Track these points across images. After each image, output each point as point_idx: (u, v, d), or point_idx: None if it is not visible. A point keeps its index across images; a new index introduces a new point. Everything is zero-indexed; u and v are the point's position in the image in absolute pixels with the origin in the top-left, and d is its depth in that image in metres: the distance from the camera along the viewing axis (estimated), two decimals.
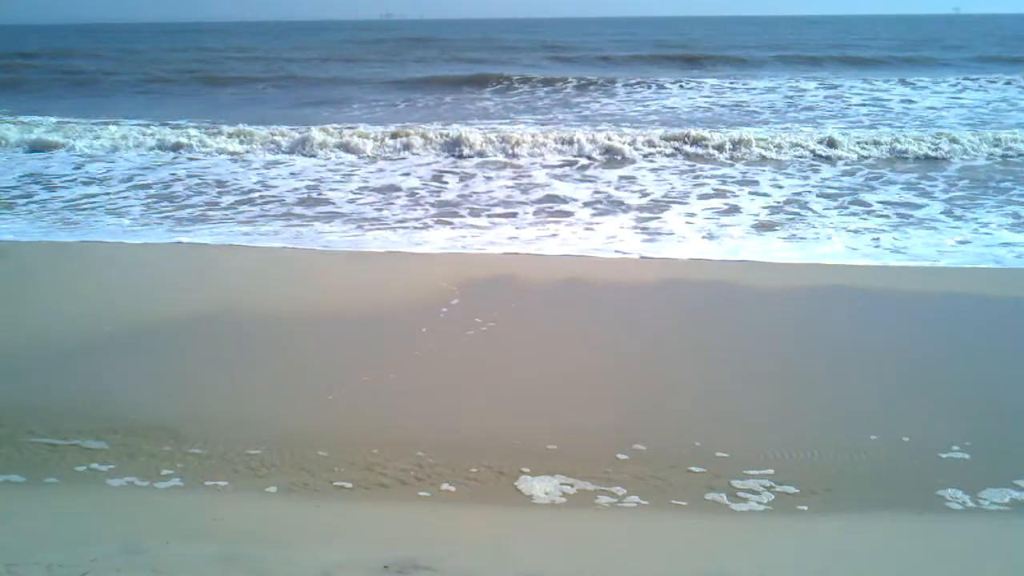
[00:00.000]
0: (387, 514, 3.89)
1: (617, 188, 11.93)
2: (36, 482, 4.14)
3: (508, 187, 12.06)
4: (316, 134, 15.36)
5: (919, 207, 10.52)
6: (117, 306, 6.88)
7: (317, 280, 7.82)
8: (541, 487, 4.07)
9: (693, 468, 4.23)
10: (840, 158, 13.60)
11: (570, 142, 14.64)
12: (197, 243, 9.18)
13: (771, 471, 4.19)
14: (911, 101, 20.88)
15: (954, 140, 13.98)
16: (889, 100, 21.29)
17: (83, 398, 5.10)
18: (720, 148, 14.07)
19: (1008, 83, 23.32)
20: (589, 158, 14.07)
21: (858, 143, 14.14)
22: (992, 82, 23.81)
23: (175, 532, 3.66)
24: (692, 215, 10.28)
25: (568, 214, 10.43)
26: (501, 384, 5.35)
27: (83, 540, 3.58)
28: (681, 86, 24.77)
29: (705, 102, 22.11)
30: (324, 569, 3.36)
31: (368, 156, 14.57)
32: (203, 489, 4.08)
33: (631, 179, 12.56)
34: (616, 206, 10.78)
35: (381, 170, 13.53)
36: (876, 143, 14.10)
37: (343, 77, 29.50)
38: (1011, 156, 13.46)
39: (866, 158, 13.69)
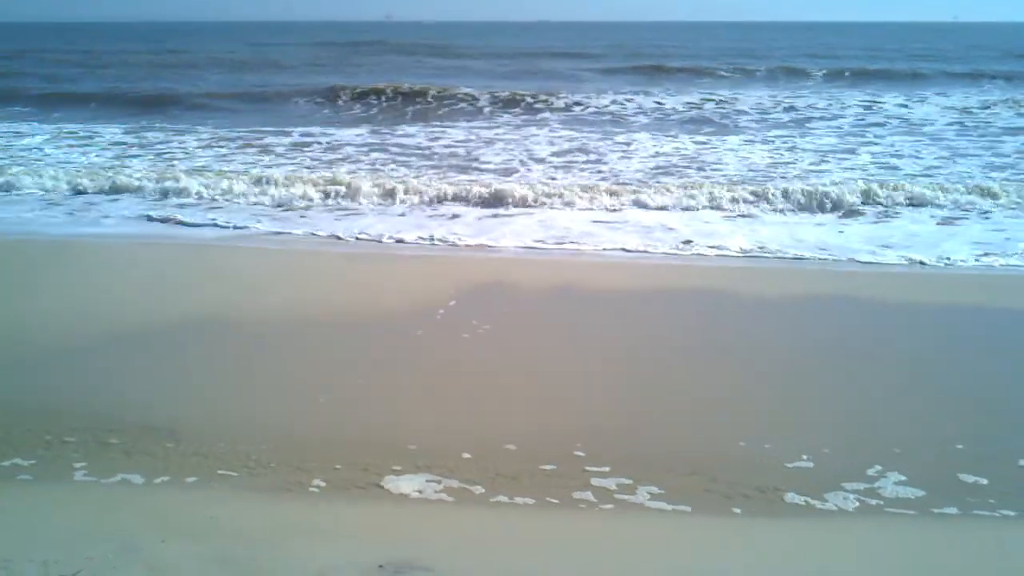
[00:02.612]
0: (382, 514, 3.89)
1: None
2: (32, 480, 4.13)
3: None
4: None
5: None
6: (114, 306, 6.88)
7: (315, 281, 7.83)
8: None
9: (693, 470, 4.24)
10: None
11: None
12: (193, 243, 9.20)
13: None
14: (904, 111, 20.61)
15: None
16: (881, 109, 21.19)
17: (79, 397, 5.10)
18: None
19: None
20: None
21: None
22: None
23: (170, 531, 3.66)
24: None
25: None
26: (500, 386, 5.36)
27: (78, 538, 3.58)
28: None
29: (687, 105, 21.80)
30: (319, 569, 3.37)
31: None
32: (199, 488, 4.07)
33: None
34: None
35: None
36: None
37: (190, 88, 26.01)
38: None
39: None
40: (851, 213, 10.71)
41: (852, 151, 15.29)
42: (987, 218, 10.40)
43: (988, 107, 20.48)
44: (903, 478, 4.15)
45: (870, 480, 4.14)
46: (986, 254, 8.68)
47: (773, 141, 16.57)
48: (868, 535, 3.78)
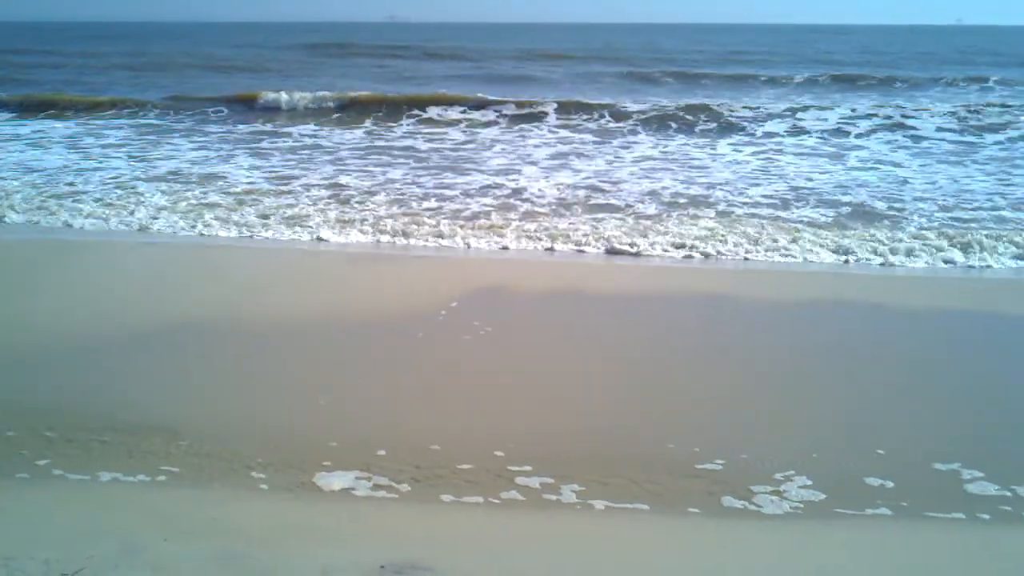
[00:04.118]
0: (384, 514, 3.90)
1: None
2: (34, 478, 4.14)
3: None
4: None
5: None
6: (117, 305, 6.89)
7: (317, 282, 7.83)
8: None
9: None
10: None
11: None
12: (196, 243, 9.21)
13: (531, 466, 4.28)
14: (893, 116, 19.94)
15: None
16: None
17: (82, 396, 5.11)
18: None
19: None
20: None
21: None
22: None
23: (172, 530, 3.67)
24: None
25: None
26: (500, 387, 5.37)
27: (80, 537, 3.59)
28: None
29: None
30: (321, 568, 3.38)
31: None
32: (201, 488, 4.08)
33: None
34: None
35: None
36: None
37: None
38: None
39: None
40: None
41: (840, 158, 15.24)
42: None
43: (976, 112, 20.06)
44: (809, 481, 4.17)
45: (777, 483, 4.16)
46: None
47: (763, 143, 16.62)
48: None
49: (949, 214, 10.66)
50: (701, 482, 4.18)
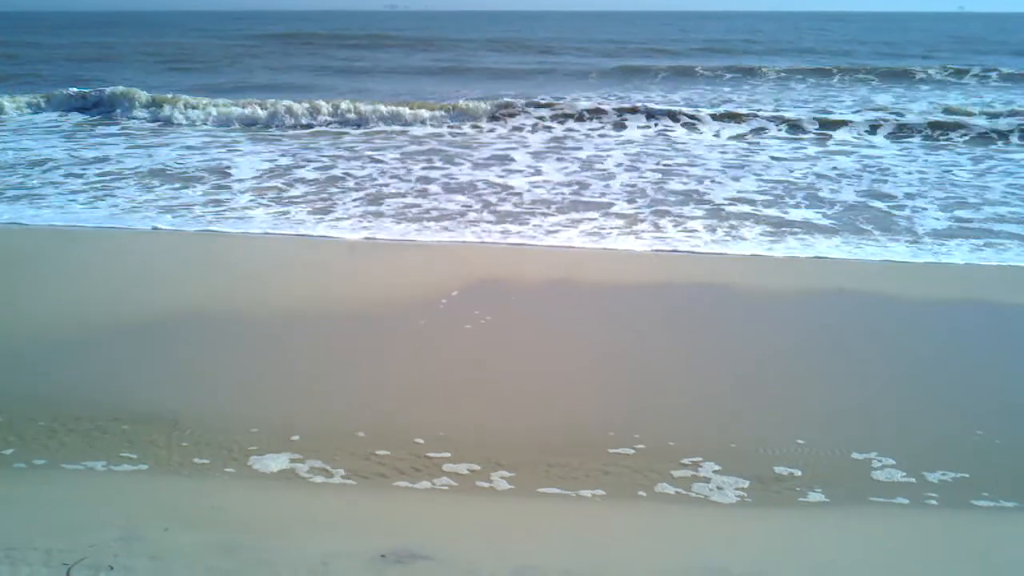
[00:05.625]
0: (385, 504, 3.91)
1: None
2: (35, 468, 4.15)
3: None
4: None
5: None
6: (119, 295, 6.88)
7: (317, 271, 7.82)
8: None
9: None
10: None
11: None
12: (198, 233, 9.19)
13: (450, 452, 4.33)
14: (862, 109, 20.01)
15: None
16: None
17: (84, 386, 5.11)
18: None
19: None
20: None
21: None
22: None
23: (173, 520, 3.67)
24: None
25: None
26: (501, 378, 5.37)
27: (81, 526, 3.59)
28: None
29: None
30: (322, 558, 3.38)
31: None
32: (202, 477, 4.09)
33: None
34: None
35: None
36: None
37: None
38: None
39: None
40: None
41: (830, 146, 15.21)
42: None
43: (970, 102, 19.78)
44: (719, 467, 4.20)
45: (693, 467, 4.20)
46: None
47: (758, 136, 16.59)
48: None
49: (927, 200, 10.80)
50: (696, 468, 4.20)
